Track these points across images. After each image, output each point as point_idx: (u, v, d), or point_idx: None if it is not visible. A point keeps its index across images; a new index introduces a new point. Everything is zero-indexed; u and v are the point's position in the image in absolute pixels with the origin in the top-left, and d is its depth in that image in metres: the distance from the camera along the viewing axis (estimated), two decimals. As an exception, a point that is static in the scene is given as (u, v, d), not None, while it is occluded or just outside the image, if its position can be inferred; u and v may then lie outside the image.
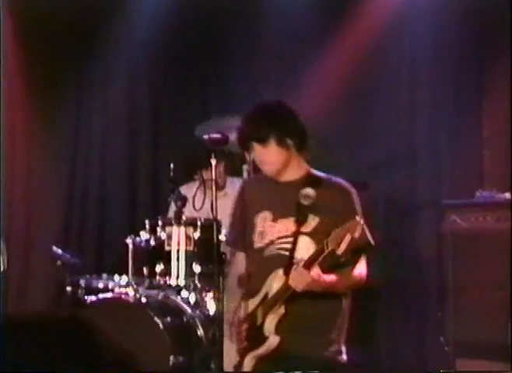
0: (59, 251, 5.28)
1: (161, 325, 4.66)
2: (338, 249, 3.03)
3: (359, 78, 6.10)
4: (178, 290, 5.00)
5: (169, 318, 4.74)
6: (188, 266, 4.92)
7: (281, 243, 3.23)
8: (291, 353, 3.18)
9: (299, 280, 3.08)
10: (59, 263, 5.24)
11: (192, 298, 4.96)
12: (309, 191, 3.21)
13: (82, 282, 5.19)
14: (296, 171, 3.30)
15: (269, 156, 3.23)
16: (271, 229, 3.25)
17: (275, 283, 3.18)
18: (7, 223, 6.34)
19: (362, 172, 5.97)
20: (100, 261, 6.36)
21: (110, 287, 5.14)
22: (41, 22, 6.37)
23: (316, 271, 3.07)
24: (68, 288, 5.20)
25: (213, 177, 3.10)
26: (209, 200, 3.44)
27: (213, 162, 3.14)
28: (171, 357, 4.61)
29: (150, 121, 6.76)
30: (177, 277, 4.94)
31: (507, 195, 4.99)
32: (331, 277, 3.12)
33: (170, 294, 4.97)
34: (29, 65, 6.51)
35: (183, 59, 6.69)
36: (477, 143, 5.84)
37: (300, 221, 3.19)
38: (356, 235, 3.01)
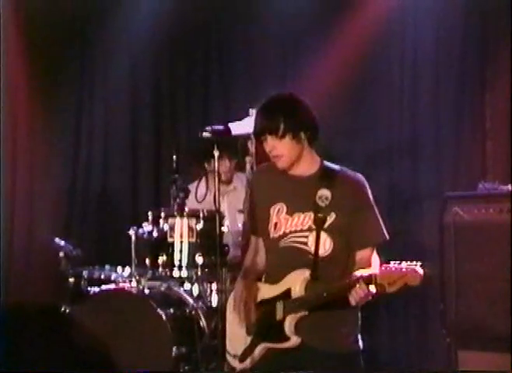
0: (61, 242, 5.29)
1: (164, 317, 4.67)
2: (388, 288, 3.03)
3: (361, 69, 6.09)
4: (181, 281, 5.01)
5: (172, 310, 4.76)
6: (191, 258, 4.93)
7: (295, 237, 3.26)
8: (308, 348, 3.22)
9: (363, 298, 3.08)
10: (61, 254, 5.25)
11: (195, 290, 4.97)
12: (325, 192, 3.24)
13: (85, 273, 5.21)
14: (309, 165, 3.32)
15: (283, 150, 3.24)
16: (285, 222, 3.28)
17: (299, 283, 3.20)
18: (10, 214, 6.35)
19: (365, 164, 5.97)
20: (103, 252, 6.37)
21: (112, 278, 5.16)
22: (43, 14, 6.39)
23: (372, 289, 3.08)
24: (71, 280, 5.22)
25: (216, 169, 3.09)
26: (212, 192, 3.44)
27: (216, 153, 3.12)
28: (174, 348, 4.63)
29: (152, 113, 6.76)
30: (180, 269, 4.96)
31: (510, 187, 4.97)
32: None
33: (172, 286, 4.98)
34: (30, 56, 6.52)
35: (186, 51, 6.71)
36: (480, 135, 5.83)
37: (318, 218, 3.22)
38: (413, 283, 3.04)
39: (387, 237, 3.30)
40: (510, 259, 4.66)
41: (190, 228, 4.91)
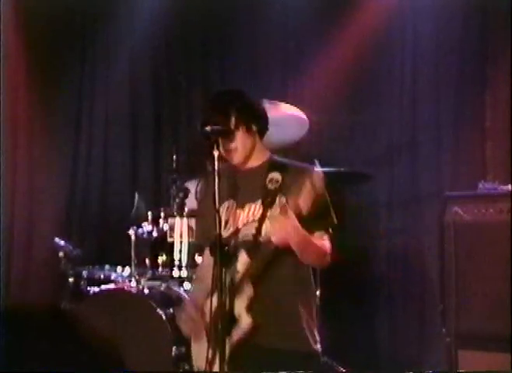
0: (61, 242, 5.28)
1: (164, 317, 4.67)
2: (300, 198, 2.96)
3: (361, 69, 6.10)
4: (181, 281, 5.01)
5: (171, 310, 4.76)
6: (191, 258, 4.93)
7: (247, 229, 3.16)
8: (266, 346, 3.10)
9: (281, 224, 2.98)
10: (61, 254, 5.25)
11: (195, 290, 4.96)
12: (275, 175, 3.16)
13: (85, 273, 5.21)
14: (258, 157, 3.26)
15: (237, 143, 3.18)
16: (238, 216, 3.18)
17: (239, 266, 3.09)
18: (10, 214, 6.35)
19: (365, 164, 5.98)
20: (103, 252, 6.36)
21: (112, 278, 5.16)
22: (42, 11, 6.40)
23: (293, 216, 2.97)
24: (71, 279, 5.21)
25: (216, 169, 3.07)
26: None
27: (215, 153, 3.11)
28: (173, 348, 4.62)
29: (153, 112, 6.76)
30: (180, 269, 4.96)
31: (510, 187, 4.97)
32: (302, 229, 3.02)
33: (172, 286, 4.98)
34: (29, 55, 6.52)
35: (186, 48, 6.71)
36: (479, 134, 5.83)
37: (268, 204, 3.13)
38: (316, 183, 2.96)
39: (336, 221, 3.20)
40: (510, 259, 4.65)
41: (190, 228, 4.91)
